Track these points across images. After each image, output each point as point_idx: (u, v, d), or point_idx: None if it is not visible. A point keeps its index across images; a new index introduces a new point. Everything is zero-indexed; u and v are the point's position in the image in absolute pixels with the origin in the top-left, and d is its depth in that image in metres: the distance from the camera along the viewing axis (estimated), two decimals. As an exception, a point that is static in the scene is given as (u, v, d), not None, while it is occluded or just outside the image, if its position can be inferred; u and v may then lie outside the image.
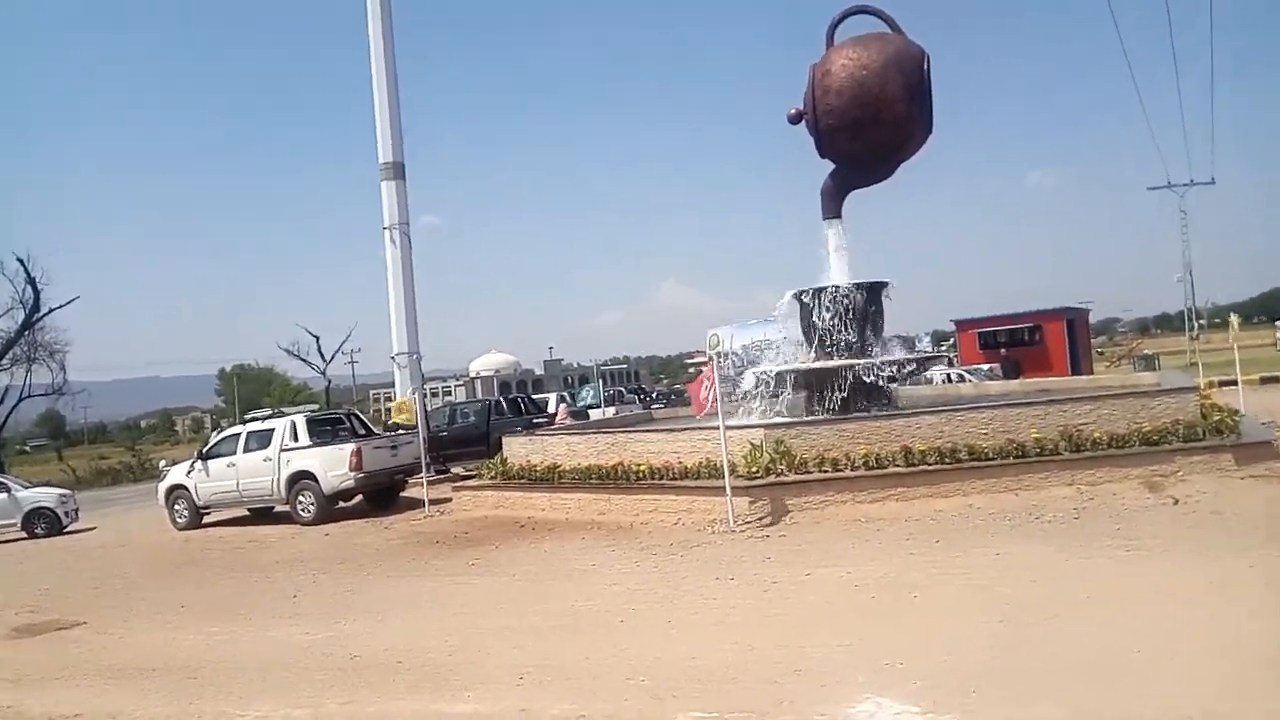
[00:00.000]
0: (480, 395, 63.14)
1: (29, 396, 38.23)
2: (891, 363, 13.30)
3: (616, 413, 26.94)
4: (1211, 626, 5.57)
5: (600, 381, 37.93)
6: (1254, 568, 6.76)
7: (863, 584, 7.47)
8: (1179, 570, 6.92)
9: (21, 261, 35.21)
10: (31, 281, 35.54)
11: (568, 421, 23.11)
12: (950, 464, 10.57)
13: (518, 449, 14.89)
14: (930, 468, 10.58)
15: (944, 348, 34.71)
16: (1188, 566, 6.98)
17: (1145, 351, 50.97)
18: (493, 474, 14.75)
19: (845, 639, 6.08)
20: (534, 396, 30.36)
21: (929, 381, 19.67)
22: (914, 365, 13.98)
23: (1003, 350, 27.71)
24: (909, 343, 15.02)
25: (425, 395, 22.08)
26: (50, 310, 36.70)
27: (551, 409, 26.78)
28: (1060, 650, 5.42)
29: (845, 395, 13.07)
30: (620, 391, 39.48)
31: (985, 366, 26.54)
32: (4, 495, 19.14)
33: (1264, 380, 23.93)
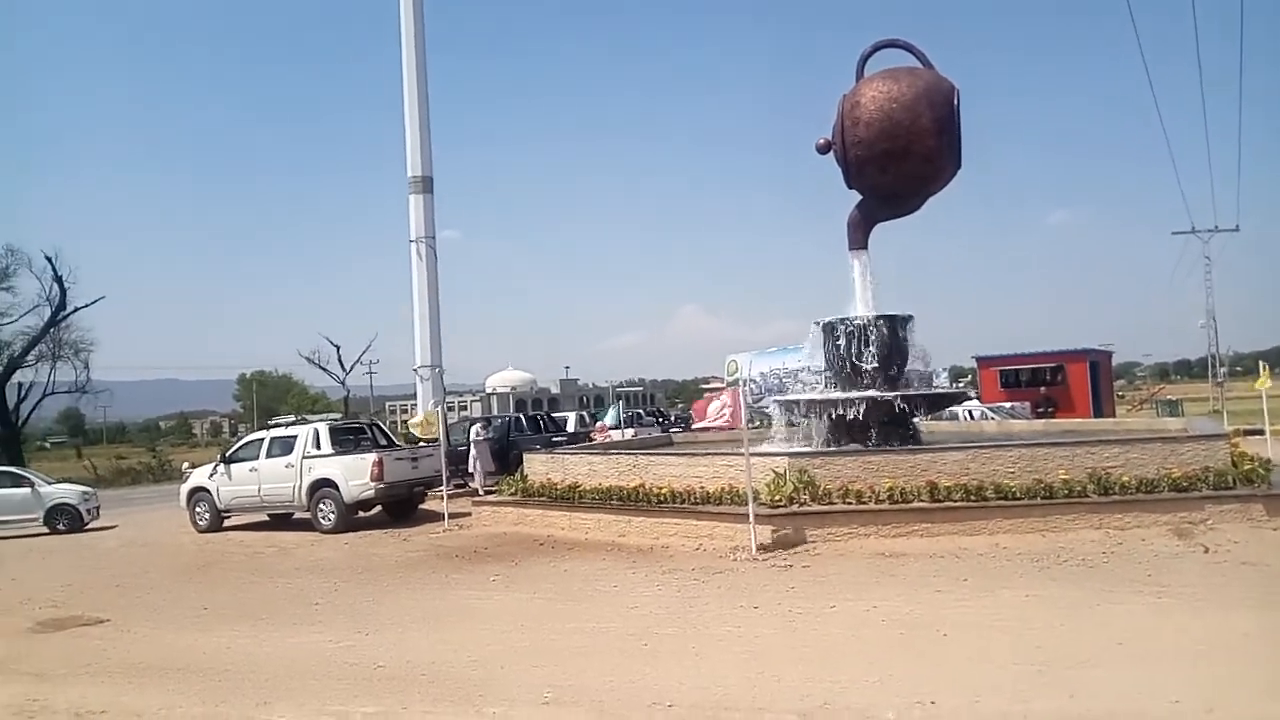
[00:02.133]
0: (496, 411, 63.30)
1: (52, 393, 38.60)
2: (917, 397, 13.27)
3: (635, 435, 26.91)
4: (1251, 680, 5.50)
5: (620, 403, 37.90)
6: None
7: (889, 619, 7.42)
8: (1213, 620, 6.84)
9: (49, 259, 35.73)
10: (58, 279, 36.02)
11: (608, 438, 23.20)
12: (977, 502, 10.51)
13: (538, 466, 14.93)
14: (956, 504, 10.53)
15: (962, 384, 34.48)
16: (1222, 617, 6.89)
17: (1168, 396, 50.49)
18: (513, 490, 14.78)
19: (873, 674, 6.03)
20: (554, 415, 30.36)
21: (953, 417, 19.60)
22: (942, 400, 13.95)
23: (1042, 389, 27.48)
24: (927, 378, 14.99)
25: (446, 409, 22.17)
26: (76, 309, 37.19)
27: (570, 428, 26.81)
28: (1095, 697, 5.36)
29: (870, 427, 13.03)
30: (639, 414, 39.48)
31: (1008, 405, 26.35)
32: (28, 490, 19.35)
33: (1290, 431, 23.65)
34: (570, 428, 26.89)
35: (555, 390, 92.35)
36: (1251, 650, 6.11)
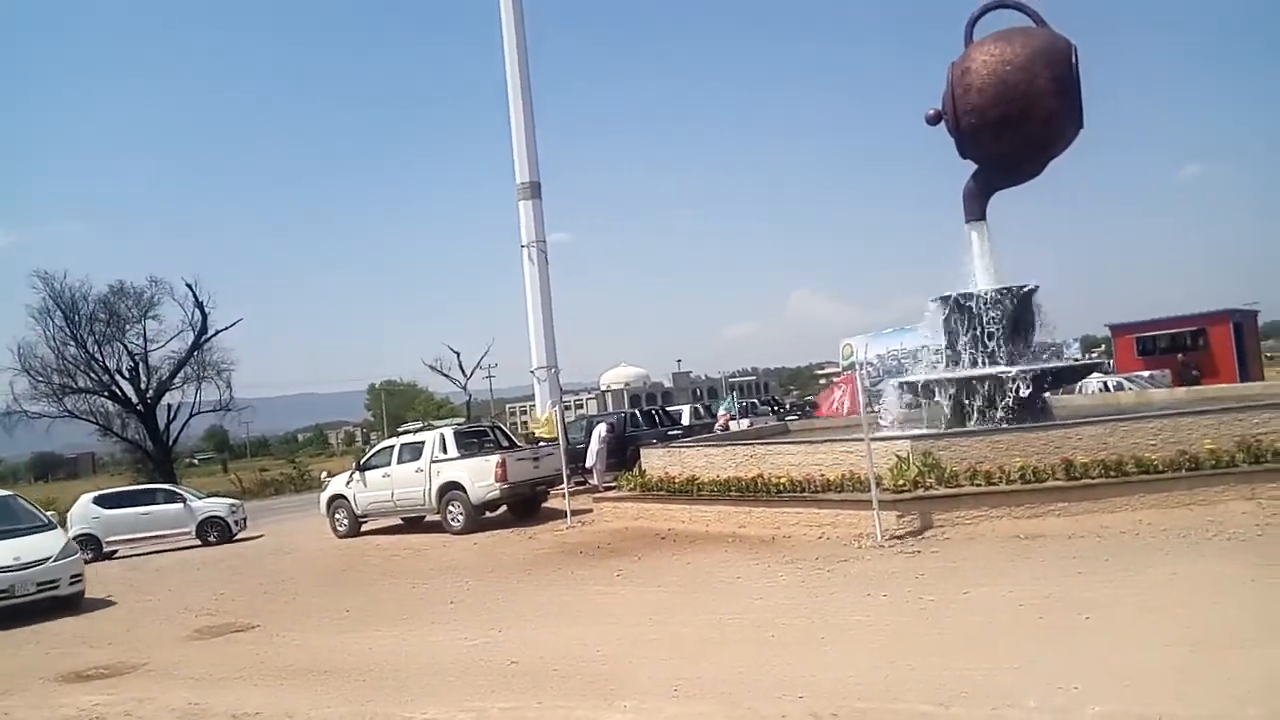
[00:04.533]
0: (611, 408, 64.01)
1: (199, 413, 40.93)
2: (1047, 370, 12.73)
3: (750, 424, 26.74)
4: None
5: (733, 394, 37.73)
6: None
7: (1027, 603, 7.15)
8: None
9: (190, 287, 37.95)
10: (199, 305, 38.22)
11: (731, 428, 23.22)
12: (1117, 477, 10.00)
13: (655, 461, 15.00)
14: (1094, 481, 10.04)
15: (1094, 354, 32.87)
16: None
17: (1325, 355, 46.89)
18: (632, 485, 14.90)
19: (1013, 661, 5.83)
20: (668, 409, 30.47)
21: (1087, 390, 18.73)
22: (1073, 372, 13.34)
23: (1180, 355, 25.88)
24: (1057, 350, 14.35)
25: (563, 408, 22.57)
26: (216, 332, 39.33)
27: (685, 420, 26.85)
28: (1256, 680, 5.03)
29: (996, 405, 12.57)
30: (753, 403, 39.21)
31: (1146, 373, 25.02)
32: (180, 505, 20.64)
33: None
34: (685, 420, 26.91)
35: (668, 384, 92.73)
36: None
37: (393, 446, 18.00)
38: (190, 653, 9.16)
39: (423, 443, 17.31)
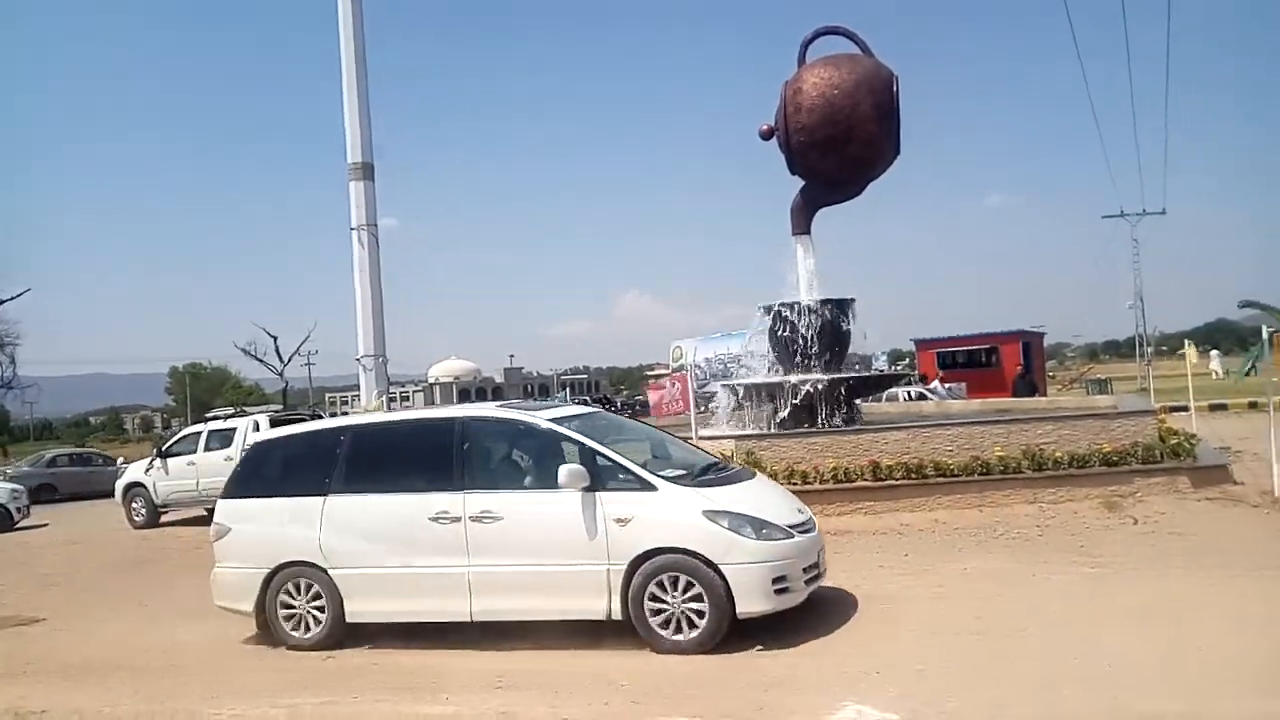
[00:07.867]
0: (439, 402, 62.64)
1: (-25, 389, 37.18)
2: (859, 379, 13.50)
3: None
4: (1178, 642, 5.76)
5: (565, 391, 37.86)
6: (1214, 587, 7.00)
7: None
8: (1142, 587, 7.13)
9: (-27, 252, 34.35)
10: (-18, 272, 34.66)
11: None
12: (917, 479, 10.76)
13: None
14: (897, 482, 10.76)
15: (900, 366, 35.07)
16: (1151, 584, 7.20)
17: (1097, 375, 52.08)
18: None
19: (819, 650, 6.18)
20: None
21: (893, 398, 19.99)
22: (883, 382, 14.21)
23: (1020, 368, 27.78)
24: (866, 361, 15.27)
25: (389, 400, 21.93)
26: (1, 302, 35.82)
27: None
28: (1034, 662, 5.58)
29: (813, 409, 13.23)
30: (585, 401, 39.48)
31: (945, 386, 26.93)
32: (-49, 490, 18.60)
33: (1213, 407, 24.56)
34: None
35: (499, 379, 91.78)
36: (1179, 615, 6.37)
37: (200, 433, 16.97)
38: (-37, 649, 8.29)
39: (234, 430, 16.40)
